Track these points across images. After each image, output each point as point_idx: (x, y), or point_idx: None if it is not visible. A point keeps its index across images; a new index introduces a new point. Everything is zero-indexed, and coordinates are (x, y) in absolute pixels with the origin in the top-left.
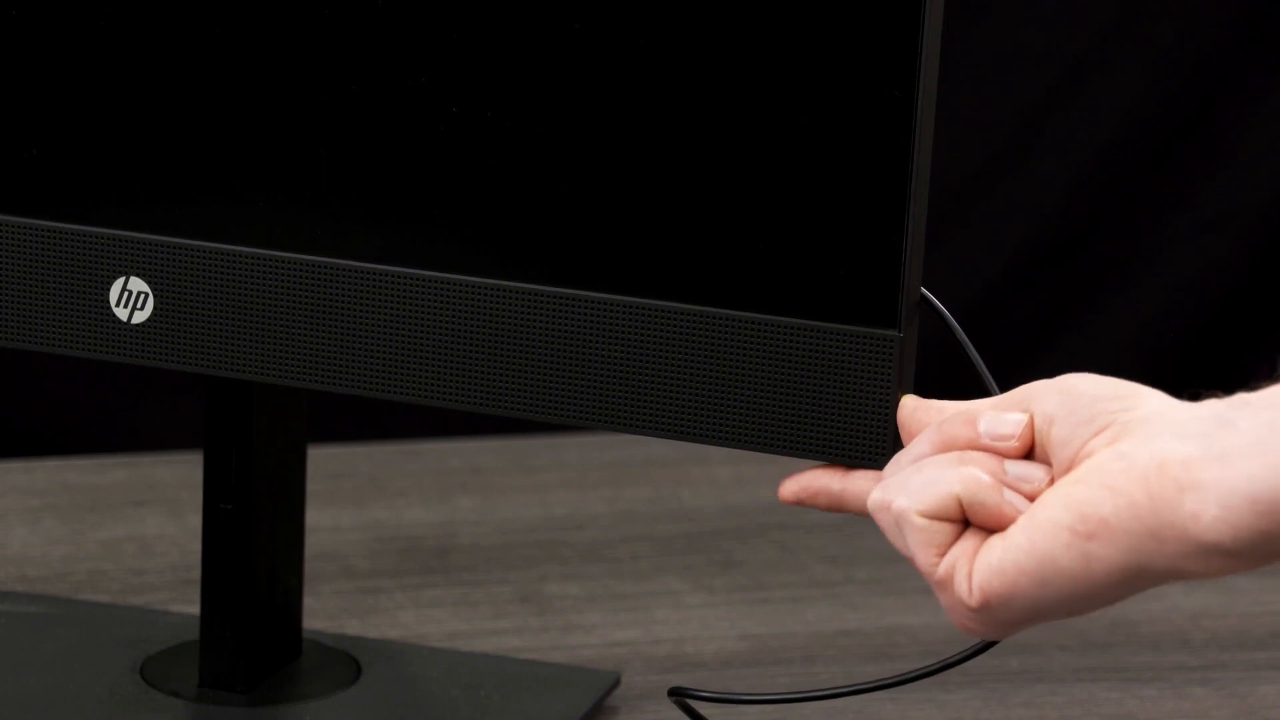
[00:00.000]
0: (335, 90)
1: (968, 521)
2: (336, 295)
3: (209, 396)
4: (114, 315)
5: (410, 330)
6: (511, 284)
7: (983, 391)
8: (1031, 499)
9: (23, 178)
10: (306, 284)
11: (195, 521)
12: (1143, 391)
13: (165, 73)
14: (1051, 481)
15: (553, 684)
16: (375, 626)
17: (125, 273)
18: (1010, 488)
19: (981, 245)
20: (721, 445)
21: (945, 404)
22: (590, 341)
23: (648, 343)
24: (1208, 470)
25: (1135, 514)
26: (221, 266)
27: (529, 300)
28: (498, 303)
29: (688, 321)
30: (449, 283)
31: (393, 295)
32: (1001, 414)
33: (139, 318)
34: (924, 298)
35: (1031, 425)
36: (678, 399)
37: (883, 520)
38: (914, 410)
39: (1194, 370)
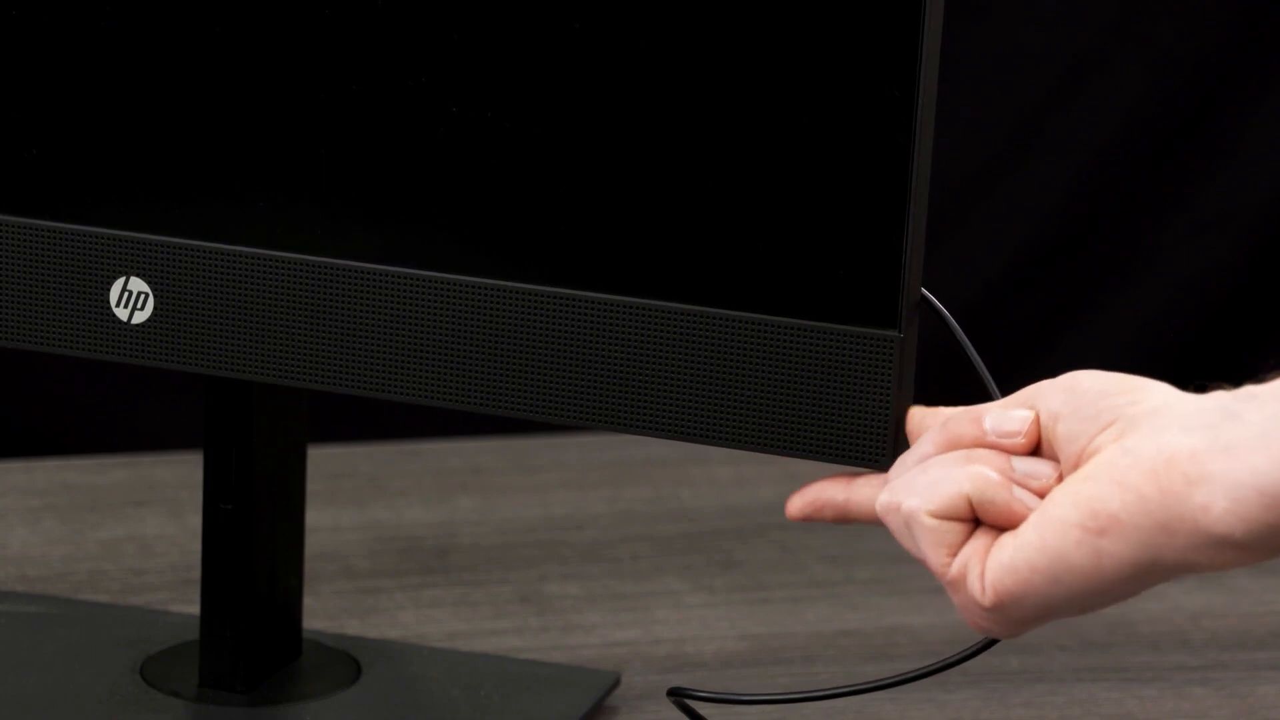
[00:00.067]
0: (335, 90)
1: (978, 520)
2: (336, 295)
3: (209, 396)
4: (114, 315)
5: (410, 330)
6: (511, 284)
7: (983, 391)
8: (1040, 495)
9: (23, 178)
10: (306, 284)
11: (195, 521)
12: (1148, 385)
13: (165, 73)
14: (1060, 478)
15: (553, 684)
16: (375, 626)
17: (125, 273)
18: (1019, 485)
19: (981, 245)
20: (721, 445)
21: (949, 409)
22: (590, 341)
23: (648, 343)
24: (1215, 462)
25: (1145, 508)
26: (221, 266)
27: (529, 300)
28: (498, 303)
29: (688, 321)
30: (449, 283)
31: (393, 295)
32: (1007, 411)
33: (139, 318)
34: (924, 298)
35: (1038, 422)
36: (678, 399)
37: (892, 522)
38: (921, 418)
39: (1194, 370)
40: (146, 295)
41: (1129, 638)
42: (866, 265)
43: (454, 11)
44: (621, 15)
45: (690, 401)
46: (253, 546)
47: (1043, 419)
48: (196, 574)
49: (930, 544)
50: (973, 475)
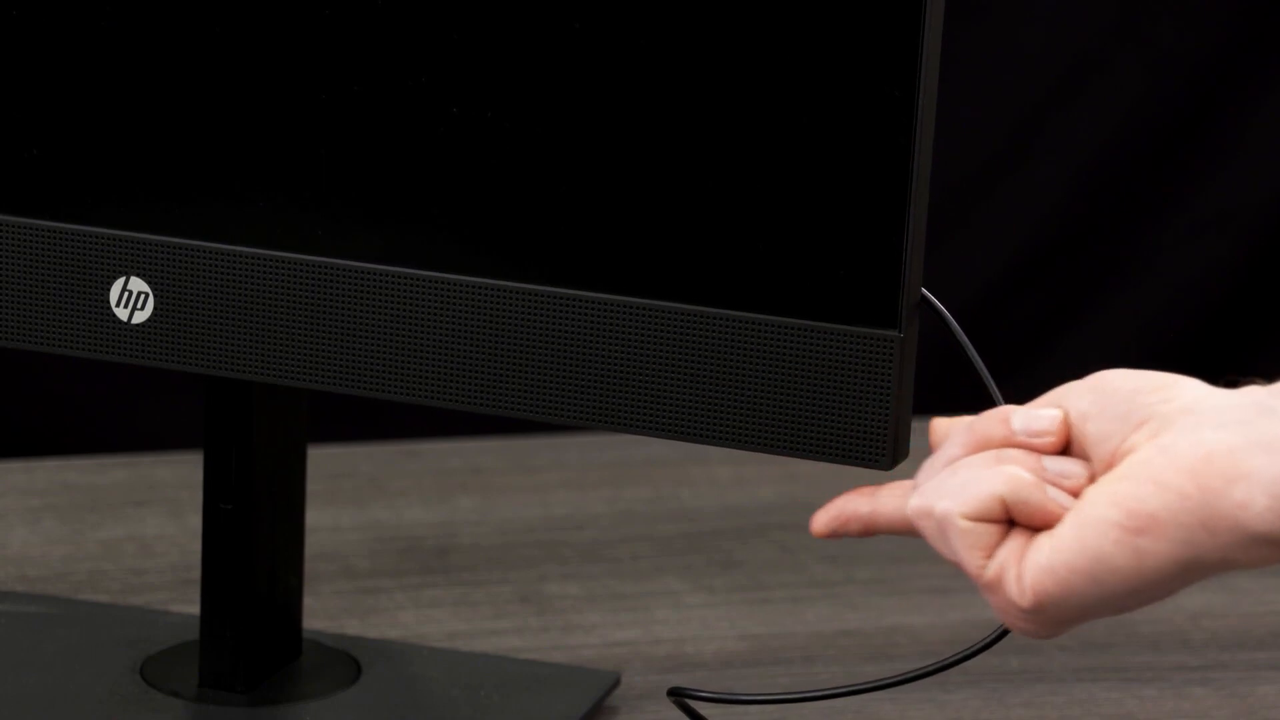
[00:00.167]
0: (336, 90)
1: (1011, 521)
2: (336, 295)
3: (209, 396)
4: (114, 315)
5: (410, 330)
6: (511, 284)
7: (983, 391)
8: (1073, 495)
9: (23, 178)
10: (306, 284)
11: (195, 521)
12: (1179, 381)
13: (165, 73)
14: (1092, 478)
15: (553, 684)
16: (375, 626)
17: (125, 273)
18: (1051, 484)
19: (981, 245)
20: (721, 445)
21: (972, 417)
22: (590, 341)
23: (648, 343)
24: (1253, 459)
25: (1185, 506)
26: (221, 266)
27: (529, 300)
28: (498, 303)
29: (688, 321)
30: (449, 283)
31: (393, 295)
32: (1035, 410)
33: (139, 318)
34: (924, 298)
35: (1067, 421)
36: (678, 399)
37: (925, 526)
38: (946, 427)
39: (1194, 371)
40: (146, 295)
41: (1129, 638)
42: (866, 265)
43: (454, 11)
44: (621, 16)
45: (690, 401)
46: (253, 546)
47: (1072, 418)
48: (196, 574)
49: (965, 546)
50: (1006, 476)
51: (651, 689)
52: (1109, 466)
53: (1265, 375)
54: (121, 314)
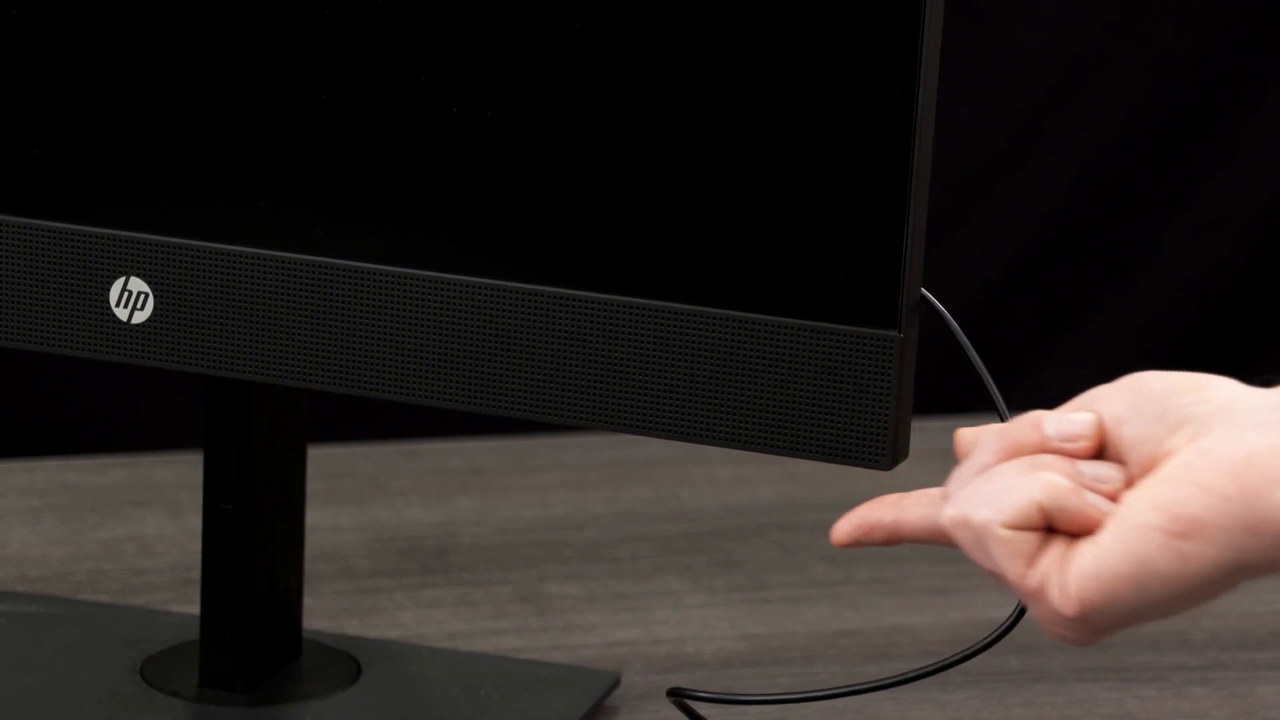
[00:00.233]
0: (336, 90)
1: (1050, 528)
2: (336, 295)
3: (209, 396)
4: (114, 315)
5: (410, 330)
6: (511, 284)
7: (983, 391)
8: (1110, 499)
9: (23, 178)
10: (306, 284)
11: (195, 521)
12: (1213, 382)
13: (165, 73)
14: (1129, 481)
15: (553, 684)
16: (375, 626)
17: (125, 273)
18: (1088, 489)
19: (981, 245)
20: (721, 445)
21: (1001, 424)
22: (590, 341)
23: (648, 343)
24: None
25: (1228, 509)
26: (221, 266)
27: (529, 300)
28: (498, 303)
29: (688, 321)
30: (449, 283)
31: (393, 295)
32: (1068, 415)
33: (139, 318)
34: (924, 298)
35: (1100, 425)
36: (678, 399)
37: (962, 536)
38: (973, 436)
39: (1194, 370)
40: (146, 295)
41: (1129, 638)
42: (866, 265)
43: (454, 11)
44: (621, 16)
45: (690, 401)
46: (253, 546)
47: (1106, 422)
48: (196, 574)
49: (1006, 556)
50: (1044, 483)
51: (651, 689)
52: (1147, 470)
53: (1266, 376)
54: (121, 314)
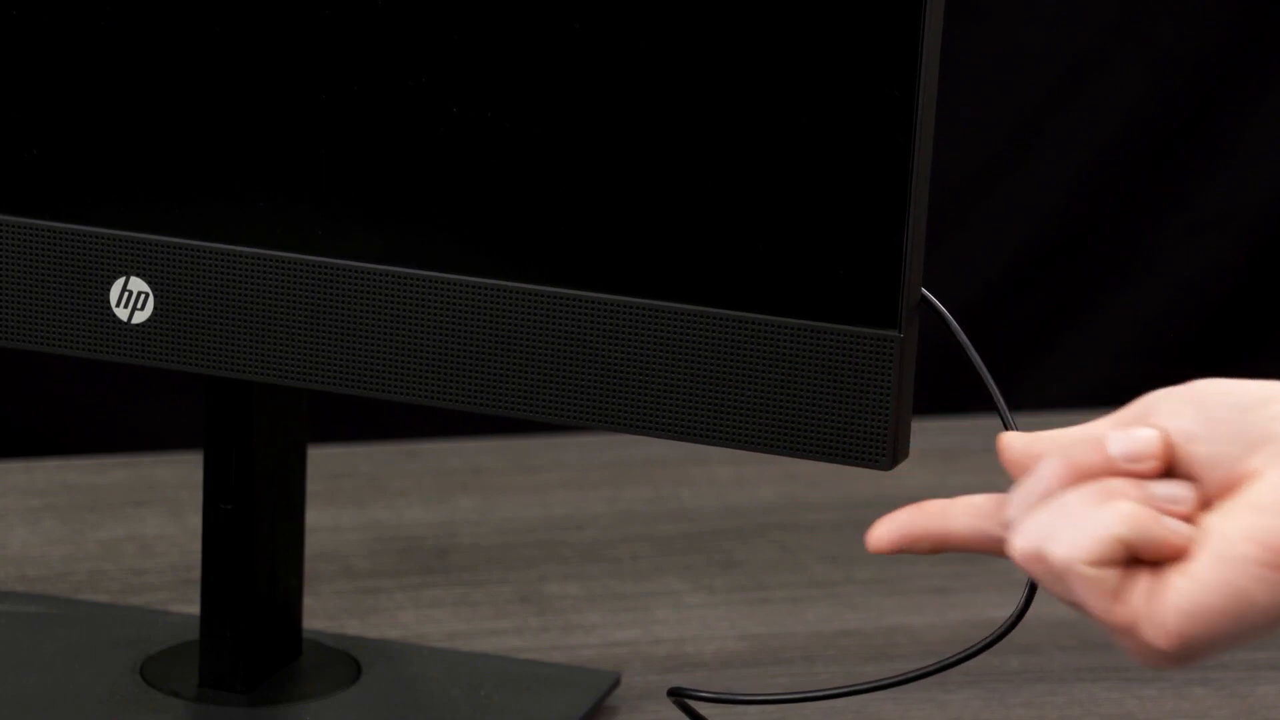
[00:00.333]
0: (336, 90)
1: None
2: (336, 295)
3: (209, 396)
4: (114, 315)
5: (410, 330)
6: (511, 284)
7: (983, 391)
8: (1186, 520)
9: (23, 178)
10: (306, 284)
11: (195, 521)
12: None
13: (165, 73)
14: (1205, 502)
15: (553, 684)
16: (375, 626)
17: (125, 273)
18: (1164, 512)
19: (981, 245)
20: (722, 445)
21: (1053, 434)
22: (590, 341)
23: (648, 343)
24: None
25: None
26: (221, 266)
27: (529, 300)
28: (498, 303)
29: (688, 321)
30: (449, 283)
31: (393, 295)
32: (1131, 432)
33: (139, 318)
34: (924, 298)
35: (1166, 441)
36: (678, 399)
37: (1036, 571)
38: (1026, 447)
39: (1194, 370)
40: (146, 295)
41: None
42: (866, 265)
43: (454, 11)
44: (621, 15)
45: (690, 401)
46: (253, 546)
47: (1175, 439)
48: (196, 574)
49: (1094, 594)
50: (1124, 516)
51: (651, 689)
52: (1226, 490)
53: (1265, 375)
54: (121, 314)
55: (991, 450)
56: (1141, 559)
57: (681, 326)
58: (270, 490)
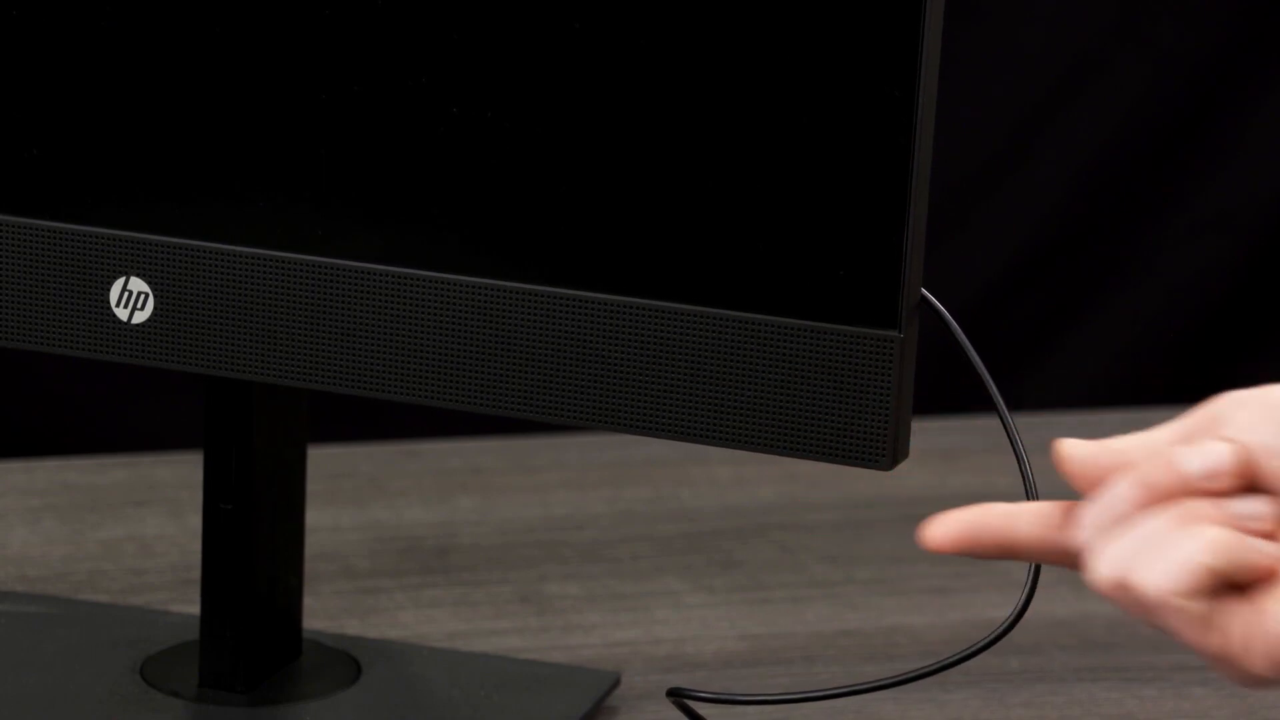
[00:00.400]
0: (336, 90)
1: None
2: (336, 295)
3: (209, 396)
4: (114, 315)
5: (410, 330)
6: (511, 284)
7: (983, 391)
8: (1268, 538)
9: (23, 178)
10: (306, 284)
11: (195, 521)
12: None
13: (165, 73)
14: None
15: (553, 684)
16: (375, 626)
17: (125, 273)
18: (1245, 530)
19: (981, 245)
20: (722, 445)
21: (1117, 443)
22: (590, 341)
23: (648, 343)
24: None
25: None
26: (221, 266)
27: (529, 300)
28: (498, 303)
29: (688, 321)
30: (449, 283)
31: (393, 295)
32: (1203, 448)
33: (139, 318)
34: (924, 298)
35: (1241, 455)
36: (678, 399)
37: (1121, 600)
38: (1092, 457)
39: (1194, 370)
40: (146, 295)
41: (1129, 638)
42: (866, 265)
43: (454, 11)
44: (621, 15)
45: (690, 401)
46: (253, 546)
47: (1254, 454)
48: (196, 574)
49: (1189, 625)
50: (1208, 543)
51: (651, 689)
52: None
53: (1265, 375)
54: (121, 314)
55: (991, 450)
56: (1234, 583)
57: (681, 326)
58: (270, 490)
